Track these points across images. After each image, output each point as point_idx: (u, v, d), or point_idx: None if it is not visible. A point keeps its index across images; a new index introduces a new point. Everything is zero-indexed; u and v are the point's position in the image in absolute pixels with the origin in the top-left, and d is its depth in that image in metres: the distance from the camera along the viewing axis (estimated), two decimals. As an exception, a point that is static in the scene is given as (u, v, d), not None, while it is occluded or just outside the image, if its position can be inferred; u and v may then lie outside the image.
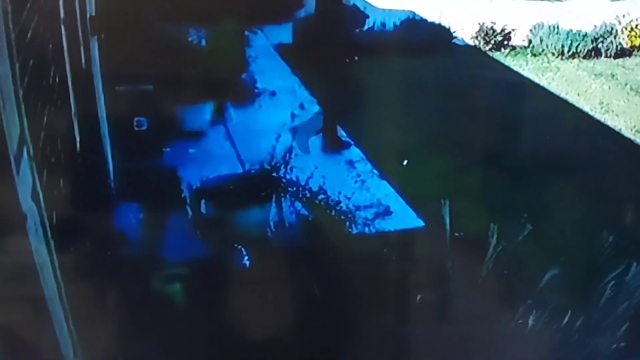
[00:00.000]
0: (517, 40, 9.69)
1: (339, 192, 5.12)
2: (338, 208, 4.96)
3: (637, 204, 5.44)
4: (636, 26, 9.63)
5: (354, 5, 9.74)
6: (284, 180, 4.85)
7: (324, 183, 5.01)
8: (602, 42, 9.56)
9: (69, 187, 3.10)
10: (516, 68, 9.06)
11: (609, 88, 8.49)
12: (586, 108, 7.85)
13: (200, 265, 4.16)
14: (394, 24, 9.45)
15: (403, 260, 4.31)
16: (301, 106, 7.21)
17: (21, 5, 2.35)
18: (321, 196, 4.92)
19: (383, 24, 9.57)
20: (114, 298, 3.58)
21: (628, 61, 9.47)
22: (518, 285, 4.02)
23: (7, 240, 1.91)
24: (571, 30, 9.54)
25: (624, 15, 9.79)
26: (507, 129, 6.75)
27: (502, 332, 3.65)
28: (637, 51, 9.65)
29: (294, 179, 4.88)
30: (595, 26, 9.80)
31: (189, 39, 7.04)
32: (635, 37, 9.63)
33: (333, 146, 6.40)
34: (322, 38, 6.80)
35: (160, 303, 3.80)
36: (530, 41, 9.71)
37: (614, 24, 9.76)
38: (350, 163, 6.20)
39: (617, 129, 7.31)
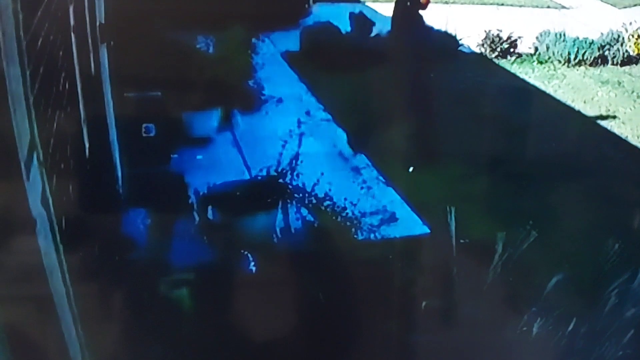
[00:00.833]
0: (523, 47, 9.69)
1: (345, 199, 5.13)
2: (344, 214, 4.97)
3: (643, 211, 5.43)
4: (643, 34, 9.64)
5: (361, 12, 9.79)
6: (290, 186, 4.87)
7: (330, 189, 5.03)
8: (609, 49, 9.55)
9: (78, 192, 3.13)
10: (522, 75, 9.06)
11: (616, 96, 8.48)
12: (592, 115, 7.85)
13: (207, 271, 4.18)
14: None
15: (408, 266, 4.32)
16: (308, 113, 7.25)
17: (32, 13, 2.38)
18: (327, 202, 4.93)
19: (389, 32, 9.59)
20: (122, 302, 3.61)
21: (635, 69, 9.45)
22: (524, 292, 4.02)
23: (17, 245, 1.93)
24: (578, 38, 9.54)
25: (630, 23, 9.77)
26: (513, 136, 6.76)
27: (508, 339, 3.65)
28: (644, 59, 9.65)
29: (300, 185, 4.90)
30: (602, 34, 9.79)
31: (197, 46, 7.09)
32: (642, 45, 9.62)
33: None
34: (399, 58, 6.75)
35: (167, 308, 3.82)
36: (536, 48, 9.71)
37: (621, 32, 9.75)
38: (357, 170, 6.22)
39: (623, 136, 7.30)
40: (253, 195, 4.85)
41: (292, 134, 5.33)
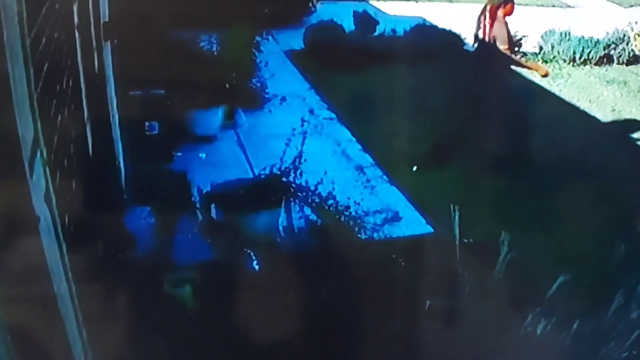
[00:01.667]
0: (528, 46, 9.65)
1: (348, 198, 5.12)
2: (347, 213, 4.96)
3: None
4: (648, 33, 9.60)
5: (365, 11, 9.77)
6: (293, 185, 4.86)
7: (333, 188, 5.02)
8: (614, 49, 9.51)
9: (82, 190, 3.13)
10: (527, 74, 9.03)
11: (621, 95, 8.44)
12: (598, 115, 7.81)
13: (210, 269, 4.18)
14: (404, 30, 9.46)
15: (412, 266, 4.31)
16: (311, 111, 7.23)
17: (36, 12, 2.38)
18: (330, 201, 4.93)
19: (393, 30, 9.58)
20: (125, 300, 3.60)
21: (640, 68, 9.43)
22: (528, 292, 4.00)
23: (21, 243, 1.93)
24: (583, 37, 9.50)
25: (636, 22, 9.74)
26: (517, 135, 6.72)
27: (512, 340, 3.64)
28: (650, 58, 9.62)
29: (304, 184, 4.89)
30: (607, 33, 9.75)
31: (201, 45, 7.08)
32: (648, 44, 9.59)
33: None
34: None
35: (170, 306, 3.82)
36: (541, 47, 9.68)
37: (626, 31, 9.72)
38: (360, 168, 6.21)
39: (629, 136, 7.27)
40: (256, 194, 4.84)
41: (296, 133, 5.32)
